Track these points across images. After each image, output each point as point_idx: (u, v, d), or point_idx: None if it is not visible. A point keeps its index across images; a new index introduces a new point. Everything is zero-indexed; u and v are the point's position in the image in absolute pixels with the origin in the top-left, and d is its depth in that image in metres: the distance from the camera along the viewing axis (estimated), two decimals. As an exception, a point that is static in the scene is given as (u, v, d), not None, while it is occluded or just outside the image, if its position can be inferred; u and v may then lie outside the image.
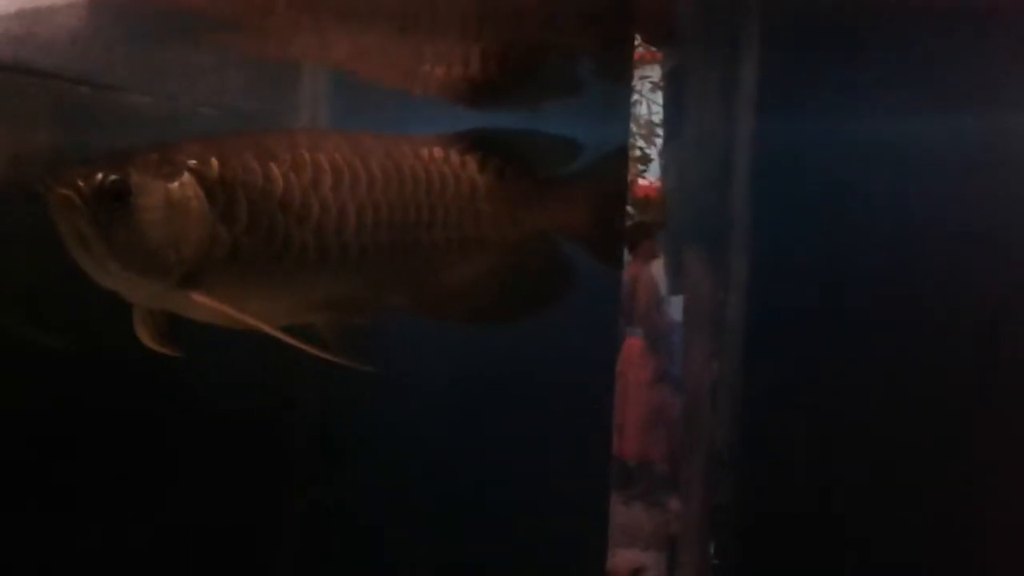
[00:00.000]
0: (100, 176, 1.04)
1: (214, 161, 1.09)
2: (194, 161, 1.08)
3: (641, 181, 1.06)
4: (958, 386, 1.53)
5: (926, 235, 1.56)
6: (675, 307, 1.15)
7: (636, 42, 1.10)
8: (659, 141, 1.09)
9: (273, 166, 1.11)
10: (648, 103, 1.08)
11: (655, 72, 1.09)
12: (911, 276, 1.56)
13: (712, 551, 1.34)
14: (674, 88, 1.13)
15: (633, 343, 1.30)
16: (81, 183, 1.04)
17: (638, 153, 1.04)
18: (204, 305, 1.11)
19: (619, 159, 1.29)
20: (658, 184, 1.11)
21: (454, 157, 1.23)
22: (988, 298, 1.57)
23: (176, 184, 1.08)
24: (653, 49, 1.13)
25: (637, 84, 1.05)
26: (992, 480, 1.56)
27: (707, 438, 1.34)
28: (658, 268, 1.11)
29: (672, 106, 1.12)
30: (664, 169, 1.12)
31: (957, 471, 1.54)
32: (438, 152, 1.22)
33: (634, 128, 1.04)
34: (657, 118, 1.08)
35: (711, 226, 1.38)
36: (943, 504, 1.56)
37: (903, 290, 1.56)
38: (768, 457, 1.54)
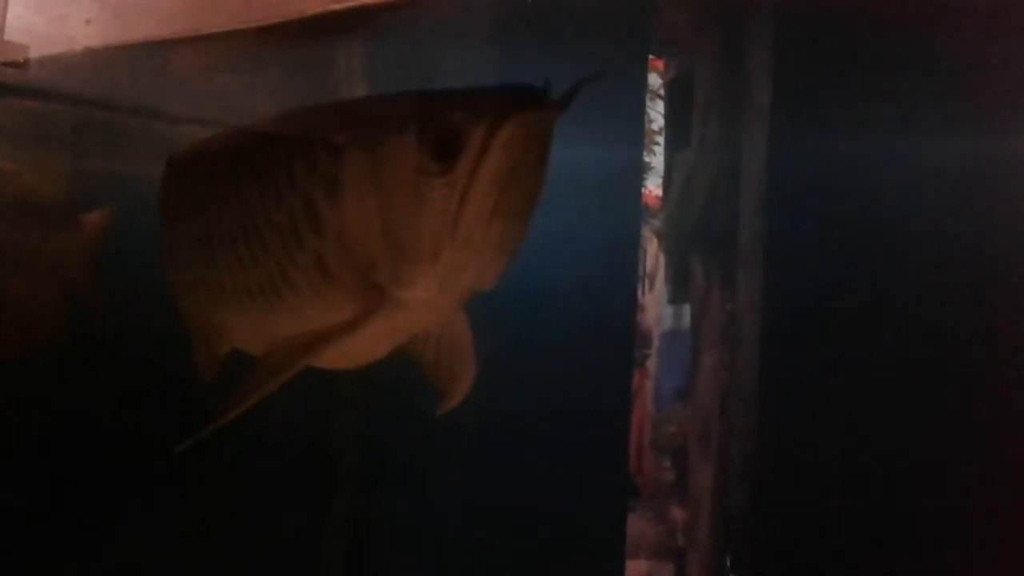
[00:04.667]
0: None
1: None
2: None
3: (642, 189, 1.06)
4: (975, 394, 1.52)
5: (943, 245, 1.55)
6: (677, 316, 1.15)
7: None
8: (659, 149, 1.09)
9: None
10: (649, 111, 1.08)
11: (656, 81, 1.10)
12: (921, 285, 1.54)
13: (728, 563, 1.33)
14: (677, 97, 1.13)
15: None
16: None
17: (638, 161, 1.05)
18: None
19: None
20: (658, 192, 1.11)
21: None
22: (1001, 315, 1.56)
23: None
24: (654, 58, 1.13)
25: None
26: (1012, 499, 1.55)
27: (716, 448, 1.33)
28: (658, 277, 1.11)
29: (675, 115, 1.12)
30: (667, 178, 1.12)
31: (975, 479, 1.52)
32: None
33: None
34: (657, 126, 1.08)
35: (718, 236, 1.38)
36: (960, 509, 1.54)
37: (915, 297, 1.54)
38: (783, 466, 1.53)
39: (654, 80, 1.06)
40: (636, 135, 1.23)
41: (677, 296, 1.10)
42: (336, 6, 1.13)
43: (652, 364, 1.04)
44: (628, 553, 1.18)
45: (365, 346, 1.13)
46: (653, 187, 1.03)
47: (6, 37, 1.43)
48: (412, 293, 1.00)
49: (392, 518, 2.04)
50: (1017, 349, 1.52)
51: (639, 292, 1.03)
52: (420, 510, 2.04)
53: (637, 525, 1.02)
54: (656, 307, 1.04)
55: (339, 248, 1.06)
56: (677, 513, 1.10)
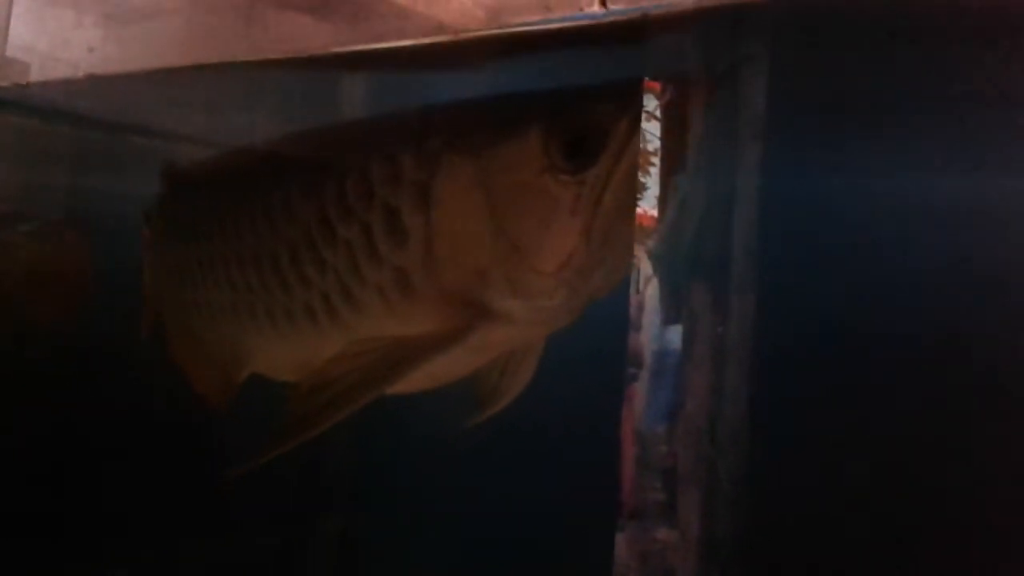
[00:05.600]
0: None
1: None
2: None
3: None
4: (962, 417, 1.52)
5: (929, 275, 1.56)
6: (670, 336, 1.15)
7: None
8: (654, 171, 1.09)
9: None
10: (645, 132, 1.08)
11: (651, 102, 1.10)
12: (914, 311, 1.55)
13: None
14: (672, 119, 1.13)
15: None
16: None
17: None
18: None
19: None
20: (654, 213, 1.11)
21: None
22: (993, 339, 1.56)
23: None
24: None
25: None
26: (997, 517, 1.55)
27: (706, 471, 1.33)
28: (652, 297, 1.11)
29: (670, 137, 1.12)
30: (662, 199, 1.12)
31: (962, 499, 1.52)
32: None
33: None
34: (653, 147, 1.09)
35: (712, 258, 1.38)
36: (947, 535, 1.54)
37: (907, 322, 1.55)
38: (771, 489, 1.53)
39: (650, 101, 1.06)
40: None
41: (669, 316, 1.10)
42: (339, 49, 1.13)
43: (643, 383, 1.03)
44: (616, 574, 1.17)
45: (453, 364, 1.08)
46: (648, 208, 1.03)
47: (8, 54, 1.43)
48: (535, 303, 0.95)
49: (375, 536, 2.03)
50: (1008, 375, 1.53)
51: (632, 310, 1.03)
52: (403, 531, 2.03)
53: (626, 546, 1.02)
54: (649, 326, 1.04)
55: (428, 261, 1.01)
56: (666, 535, 1.09)
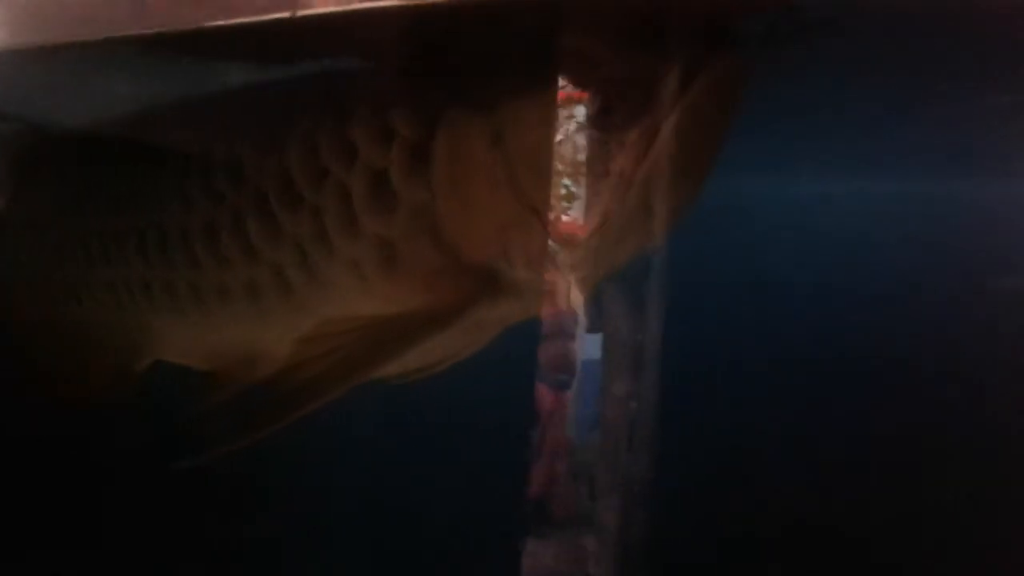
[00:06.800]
0: None
1: None
2: None
3: (565, 219, 1.06)
4: (876, 415, 1.57)
5: (841, 282, 1.60)
6: (597, 344, 1.16)
7: (561, 82, 1.10)
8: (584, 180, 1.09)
9: None
10: (574, 142, 1.09)
11: (581, 112, 1.11)
12: (830, 317, 1.59)
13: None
14: (598, 129, 1.14)
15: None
16: None
17: (564, 191, 1.05)
18: None
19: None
20: (583, 223, 1.12)
21: None
22: (904, 337, 1.61)
23: None
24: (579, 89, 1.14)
25: (563, 123, 1.06)
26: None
27: (625, 477, 1.34)
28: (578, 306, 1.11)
29: (601, 152, 1.12)
30: (587, 208, 1.13)
31: (877, 494, 1.57)
32: None
33: (560, 167, 1.05)
34: (583, 157, 1.09)
35: (631, 266, 1.39)
36: (856, 525, 1.58)
37: (817, 332, 1.59)
38: (682, 495, 1.56)
39: (580, 111, 1.07)
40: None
41: (594, 325, 1.11)
42: (226, 22, 1.05)
43: (574, 391, 1.04)
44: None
45: (449, 346, 0.98)
46: (576, 216, 1.03)
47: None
48: (557, 274, 0.85)
49: (275, 540, 2.00)
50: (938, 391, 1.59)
51: (564, 318, 1.03)
52: (303, 536, 2.00)
53: (550, 554, 1.02)
54: (581, 335, 1.04)
55: (422, 230, 0.90)
56: (589, 543, 1.10)
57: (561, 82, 1.03)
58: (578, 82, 0.92)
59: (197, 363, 1.21)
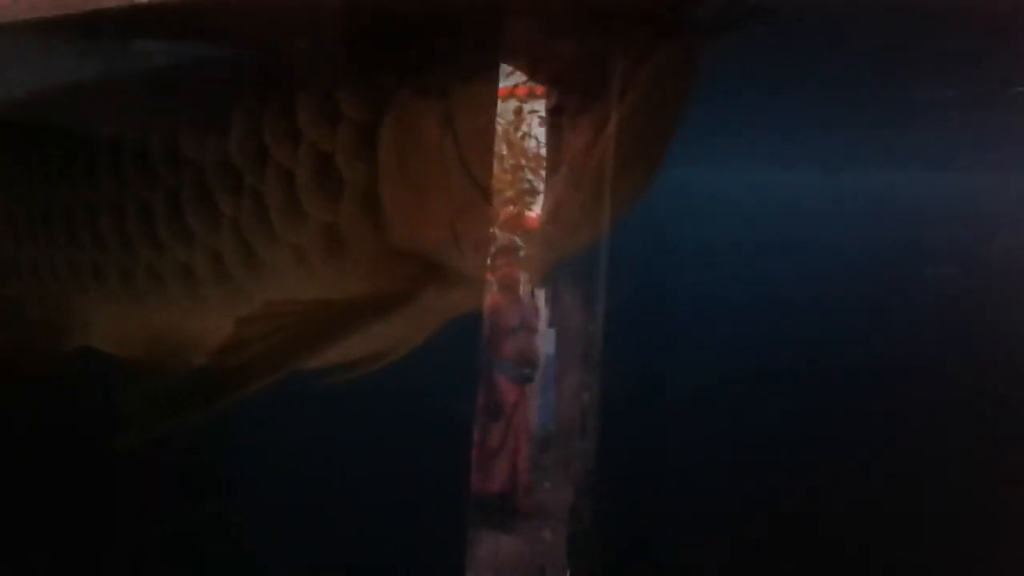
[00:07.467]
0: None
1: None
2: None
3: (529, 214, 1.07)
4: (816, 406, 1.60)
5: (787, 272, 1.63)
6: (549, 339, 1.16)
7: (521, 77, 1.10)
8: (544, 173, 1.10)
9: None
10: (536, 137, 1.09)
11: (542, 107, 1.11)
12: (778, 302, 1.62)
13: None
14: (555, 123, 1.14)
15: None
16: None
17: (527, 186, 1.05)
18: None
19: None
20: (539, 215, 1.13)
21: None
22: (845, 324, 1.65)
23: None
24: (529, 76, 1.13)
25: (526, 118, 1.06)
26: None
27: (576, 468, 1.35)
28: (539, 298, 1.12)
29: (553, 141, 1.13)
30: (545, 203, 1.13)
31: (823, 487, 1.60)
32: None
33: (523, 161, 1.05)
34: (543, 151, 1.10)
35: (581, 259, 1.40)
36: (800, 520, 1.61)
37: (766, 326, 1.62)
38: (629, 485, 1.57)
39: (539, 105, 1.07)
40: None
41: (553, 319, 1.12)
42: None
43: (537, 384, 1.04)
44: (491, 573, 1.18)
45: (393, 333, 0.95)
46: (536, 210, 1.04)
47: None
48: (519, 266, 0.84)
49: (218, 530, 1.98)
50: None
51: (525, 310, 1.03)
52: (244, 527, 1.98)
53: (511, 547, 1.03)
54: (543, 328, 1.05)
55: (368, 215, 0.87)
56: (548, 534, 1.11)
57: (519, 76, 1.03)
58: (528, 68, 0.91)
59: (129, 348, 1.17)
